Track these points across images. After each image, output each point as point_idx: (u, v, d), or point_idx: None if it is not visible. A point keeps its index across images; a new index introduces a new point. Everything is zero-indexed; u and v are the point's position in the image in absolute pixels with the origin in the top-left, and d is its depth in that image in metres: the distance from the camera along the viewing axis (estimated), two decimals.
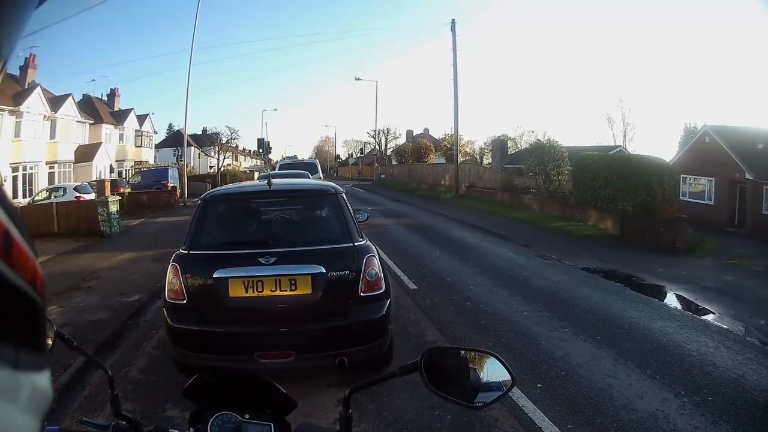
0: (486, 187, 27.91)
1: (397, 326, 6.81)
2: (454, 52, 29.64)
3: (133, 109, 47.37)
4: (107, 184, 19.22)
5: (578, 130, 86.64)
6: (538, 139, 23.29)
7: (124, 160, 44.88)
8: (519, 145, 46.69)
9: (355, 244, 4.82)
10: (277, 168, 21.45)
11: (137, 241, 14.41)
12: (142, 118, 48.45)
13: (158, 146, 58.67)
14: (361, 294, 4.64)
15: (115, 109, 46.74)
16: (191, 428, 1.34)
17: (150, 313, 7.78)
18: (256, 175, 61.22)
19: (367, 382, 1.32)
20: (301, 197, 5.81)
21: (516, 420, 4.33)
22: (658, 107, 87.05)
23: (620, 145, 39.14)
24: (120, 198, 18.05)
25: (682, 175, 22.40)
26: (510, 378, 1.28)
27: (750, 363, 5.48)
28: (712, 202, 23.02)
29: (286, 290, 4.52)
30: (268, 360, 4.49)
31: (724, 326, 6.94)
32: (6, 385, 0.42)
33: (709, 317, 7.50)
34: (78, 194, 22.55)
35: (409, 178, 42.26)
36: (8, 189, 26.39)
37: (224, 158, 46.86)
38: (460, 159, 33.55)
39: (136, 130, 47.67)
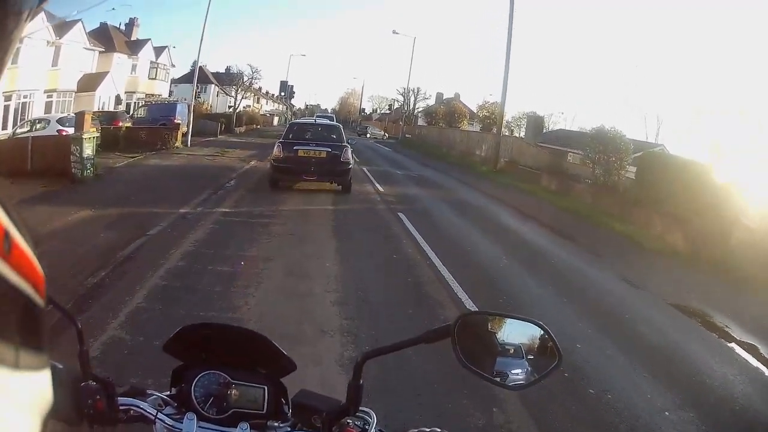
0: (528, 165, 24.36)
1: None
2: (511, 4, 25.87)
3: (150, 39, 43.77)
4: (87, 118, 15.94)
5: (608, 119, 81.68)
6: (601, 125, 20.05)
7: (134, 92, 41.69)
8: (547, 125, 42.99)
9: (342, 144, 13.51)
10: (315, 116, 35.20)
11: (108, 191, 11.46)
12: (159, 50, 45.02)
13: (176, 81, 54.38)
14: (341, 160, 13.10)
15: (133, 39, 43.35)
16: (172, 388, 1.17)
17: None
18: (276, 119, 61.13)
19: (384, 348, 1.12)
20: (326, 126, 15.47)
21: None
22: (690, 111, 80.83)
23: (660, 143, 34.93)
24: (98, 135, 14.87)
25: None
26: (556, 355, 1.09)
27: None
28: None
29: (317, 155, 13.00)
30: (307, 178, 13.13)
31: None
32: (6, 385, 0.42)
33: None
34: (61, 127, 19.45)
35: (439, 142, 38.80)
36: None
37: (242, 98, 43.45)
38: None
39: (151, 62, 44.34)
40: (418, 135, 47.16)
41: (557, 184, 20.51)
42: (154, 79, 45.21)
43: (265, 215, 9.85)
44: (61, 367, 1.04)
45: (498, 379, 1.10)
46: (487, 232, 10.46)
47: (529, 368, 1.11)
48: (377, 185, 15.60)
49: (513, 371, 1.11)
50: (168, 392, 1.18)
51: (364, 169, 19.92)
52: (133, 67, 41.93)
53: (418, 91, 58.87)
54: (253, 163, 19.42)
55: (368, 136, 52.19)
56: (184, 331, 1.17)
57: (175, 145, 23.08)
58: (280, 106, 56.95)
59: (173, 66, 49.24)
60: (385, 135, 48.53)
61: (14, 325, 0.44)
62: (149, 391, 1.16)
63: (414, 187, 16.38)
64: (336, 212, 10.86)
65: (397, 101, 64.11)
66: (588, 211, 15.74)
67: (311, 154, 12.95)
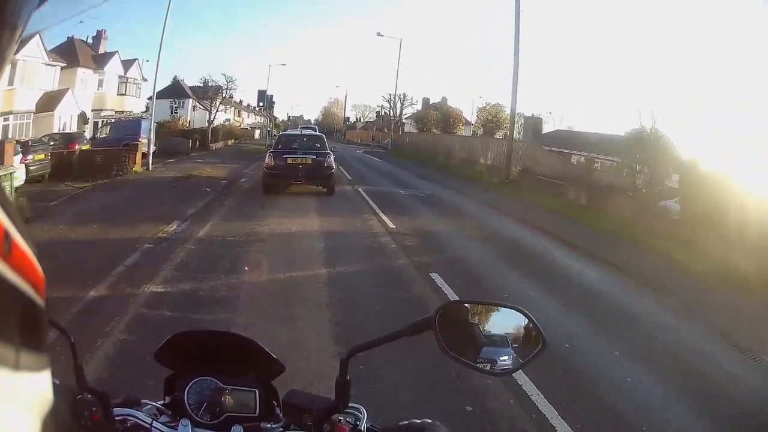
0: (543, 174, 21.16)
1: None
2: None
3: (117, 52, 40.41)
4: (8, 148, 12.46)
5: (598, 116, 77.55)
6: (641, 126, 17.08)
7: (101, 110, 38.17)
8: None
9: (325, 152, 15.34)
10: (299, 127, 35.80)
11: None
12: (128, 63, 41.59)
13: (151, 98, 52.68)
14: (325, 166, 14.95)
15: (100, 53, 39.87)
16: (166, 396, 1.21)
17: None
18: (257, 132, 58.28)
19: (369, 343, 1.14)
20: (311, 136, 17.52)
21: None
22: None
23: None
24: (14, 172, 11.35)
25: None
26: (540, 339, 1.12)
27: None
28: None
29: (304, 162, 14.87)
30: (295, 182, 14.89)
31: None
32: (6, 386, 0.42)
33: None
34: None
35: (434, 150, 35.53)
36: None
37: (216, 111, 40.05)
38: (500, 135, 26.98)
39: (119, 77, 40.90)
40: (409, 143, 44.16)
41: (588, 197, 17.38)
42: (124, 94, 41.68)
43: (218, 300, 6.06)
44: (57, 382, 0.91)
45: (487, 367, 1.13)
46: (555, 294, 7.08)
47: (514, 355, 1.12)
48: (383, 216, 12.08)
49: (501, 358, 1.12)
50: (162, 401, 1.19)
51: (360, 190, 16.66)
52: (100, 83, 38.60)
53: (404, 97, 55.56)
54: (219, 189, 15.86)
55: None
56: (174, 339, 1.19)
57: (134, 169, 19.59)
58: (263, 118, 53.62)
59: (145, 80, 45.68)
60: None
61: (14, 325, 0.43)
62: (144, 401, 1.18)
63: (429, 216, 12.98)
64: (335, 284, 6.86)
65: (384, 108, 60.99)
66: (635, 233, 12.70)
67: (299, 162, 14.84)
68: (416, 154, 36.35)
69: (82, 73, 35.56)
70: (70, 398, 1.06)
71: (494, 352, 1.12)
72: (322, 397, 1.15)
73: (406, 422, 1.10)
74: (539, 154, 23.06)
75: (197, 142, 35.77)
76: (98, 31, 40.77)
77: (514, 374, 3.78)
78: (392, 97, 54.53)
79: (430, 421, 1.10)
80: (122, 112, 40.39)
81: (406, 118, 56.42)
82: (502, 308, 1.16)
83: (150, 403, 1.17)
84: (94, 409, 1.06)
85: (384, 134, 52.06)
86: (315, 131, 23.95)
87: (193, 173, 19.28)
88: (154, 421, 1.11)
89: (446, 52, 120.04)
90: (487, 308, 1.20)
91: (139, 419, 1.11)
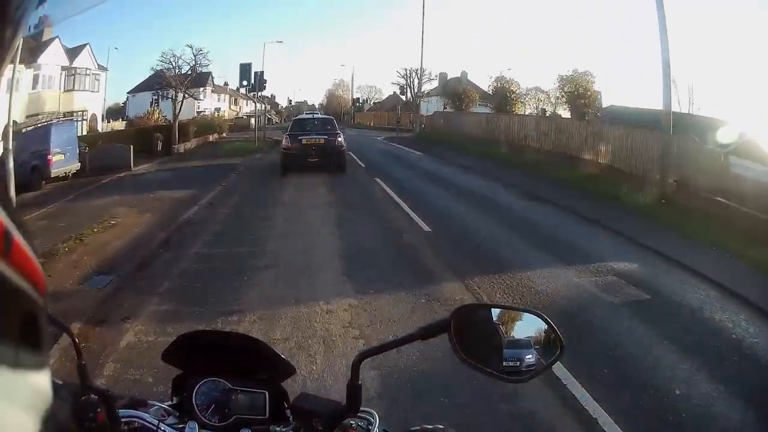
0: (709, 190, 11.46)
1: None
2: None
3: (57, 38, 31.81)
4: None
5: (624, 88, 69.02)
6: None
7: (37, 114, 28.98)
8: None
9: (336, 132, 17.62)
10: (304, 113, 34.33)
11: None
12: (75, 51, 33.28)
13: (132, 91, 45.39)
14: (335, 144, 17.09)
15: (44, 41, 31.17)
16: (174, 397, 1.19)
17: None
18: (253, 121, 50.81)
19: (379, 347, 1.11)
20: (322, 119, 20.04)
21: None
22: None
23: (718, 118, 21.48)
24: None
25: None
26: (558, 343, 1.05)
27: None
28: None
29: (317, 142, 17.02)
30: (311, 160, 16.65)
31: None
32: (6, 385, 0.42)
33: None
34: None
35: (489, 137, 25.80)
36: None
37: (183, 99, 30.99)
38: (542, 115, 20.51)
39: (63, 68, 31.98)
40: (444, 125, 34.49)
41: None
42: (72, 90, 32.73)
43: None
44: (60, 382, 0.97)
45: (505, 372, 1.06)
46: None
47: (538, 357, 1.07)
48: None
49: (527, 357, 1.07)
50: (170, 402, 1.17)
51: (482, 290, 6.19)
52: (35, 79, 30.12)
53: (422, 72, 45.77)
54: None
55: None
56: (182, 339, 1.16)
57: None
58: (264, 105, 44.85)
59: (104, 69, 36.55)
60: None
61: (14, 325, 0.44)
62: (151, 402, 1.15)
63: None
64: None
65: (402, 85, 51.82)
66: None
67: (312, 142, 17.06)
68: (461, 143, 26.40)
69: (11, 69, 26.27)
70: (73, 399, 1.02)
71: (520, 354, 1.06)
72: (333, 401, 1.11)
73: (418, 427, 1.08)
74: (698, 153, 12.84)
75: (161, 141, 26.42)
76: (40, 18, 31.36)
77: None
78: (410, 72, 45.83)
79: (442, 426, 1.08)
80: (72, 113, 32.07)
81: (426, 95, 48.37)
82: (520, 312, 1.12)
83: (157, 404, 1.13)
84: (98, 410, 1.03)
85: (404, 116, 43.50)
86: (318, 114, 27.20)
87: (68, 241, 8.97)
88: (161, 423, 1.08)
89: (464, 20, 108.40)
90: (504, 312, 1.14)
91: (146, 421, 1.08)
